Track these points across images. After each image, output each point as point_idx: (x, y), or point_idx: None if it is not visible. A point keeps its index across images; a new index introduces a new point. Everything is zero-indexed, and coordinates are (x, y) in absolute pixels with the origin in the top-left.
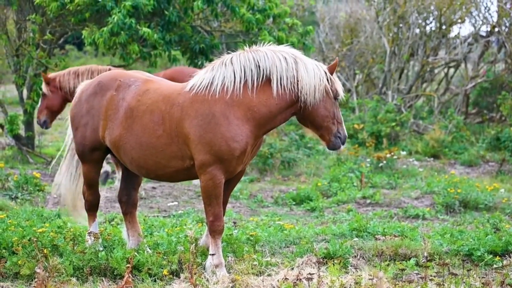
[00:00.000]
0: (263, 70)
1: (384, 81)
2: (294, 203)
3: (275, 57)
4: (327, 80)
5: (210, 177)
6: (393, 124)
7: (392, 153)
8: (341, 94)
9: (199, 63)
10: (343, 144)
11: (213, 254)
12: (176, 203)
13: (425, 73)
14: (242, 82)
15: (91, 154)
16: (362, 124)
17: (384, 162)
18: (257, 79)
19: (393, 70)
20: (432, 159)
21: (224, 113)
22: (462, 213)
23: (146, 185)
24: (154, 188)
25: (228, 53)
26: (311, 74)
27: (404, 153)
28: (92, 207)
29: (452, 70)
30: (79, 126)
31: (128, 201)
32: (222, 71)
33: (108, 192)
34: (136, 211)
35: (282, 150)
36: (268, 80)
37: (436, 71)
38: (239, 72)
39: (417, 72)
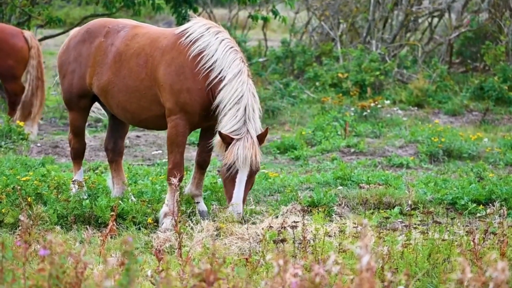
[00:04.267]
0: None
1: (368, 30)
2: (278, 151)
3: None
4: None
5: (174, 125)
6: (377, 73)
7: (376, 102)
8: (226, 162)
9: (183, 11)
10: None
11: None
12: (160, 151)
13: (409, 22)
14: (221, 78)
15: (78, 101)
16: (346, 73)
17: (368, 111)
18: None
19: (377, 20)
20: (416, 108)
21: (195, 74)
22: (445, 162)
23: (130, 134)
24: (138, 136)
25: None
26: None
27: (388, 102)
28: (78, 155)
29: (436, 20)
30: (66, 74)
31: (114, 149)
32: (222, 57)
33: (92, 140)
34: (122, 159)
35: (266, 99)
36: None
37: (420, 20)
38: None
39: (401, 22)
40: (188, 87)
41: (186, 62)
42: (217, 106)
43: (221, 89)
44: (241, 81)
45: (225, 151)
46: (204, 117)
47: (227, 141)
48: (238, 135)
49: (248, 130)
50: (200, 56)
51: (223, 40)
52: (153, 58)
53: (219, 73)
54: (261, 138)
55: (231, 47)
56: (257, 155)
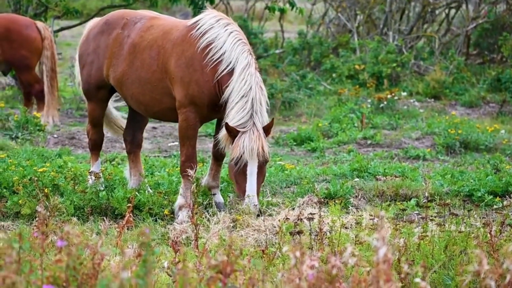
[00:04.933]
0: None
1: (385, 21)
2: (295, 143)
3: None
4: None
5: (184, 118)
6: (394, 65)
7: (393, 94)
8: (234, 156)
9: (200, 2)
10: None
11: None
12: (176, 143)
13: (426, 13)
14: (229, 71)
15: (96, 92)
16: (363, 65)
17: (385, 103)
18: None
19: (394, 11)
20: (432, 100)
21: (203, 66)
22: (462, 154)
23: (146, 125)
24: (154, 128)
25: None
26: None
27: (404, 94)
28: (95, 146)
29: (453, 11)
30: (85, 64)
31: (132, 141)
32: (230, 49)
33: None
34: (140, 151)
35: (283, 91)
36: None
37: (437, 12)
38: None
39: (418, 13)
40: (197, 79)
41: (195, 54)
42: (225, 98)
43: (229, 82)
44: (249, 73)
45: (231, 144)
46: (213, 109)
47: (233, 134)
48: (244, 128)
49: (254, 123)
50: (209, 48)
51: (231, 32)
52: (164, 50)
53: (228, 66)
54: (267, 129)
55: (239, 39)
56: (264, 146)
